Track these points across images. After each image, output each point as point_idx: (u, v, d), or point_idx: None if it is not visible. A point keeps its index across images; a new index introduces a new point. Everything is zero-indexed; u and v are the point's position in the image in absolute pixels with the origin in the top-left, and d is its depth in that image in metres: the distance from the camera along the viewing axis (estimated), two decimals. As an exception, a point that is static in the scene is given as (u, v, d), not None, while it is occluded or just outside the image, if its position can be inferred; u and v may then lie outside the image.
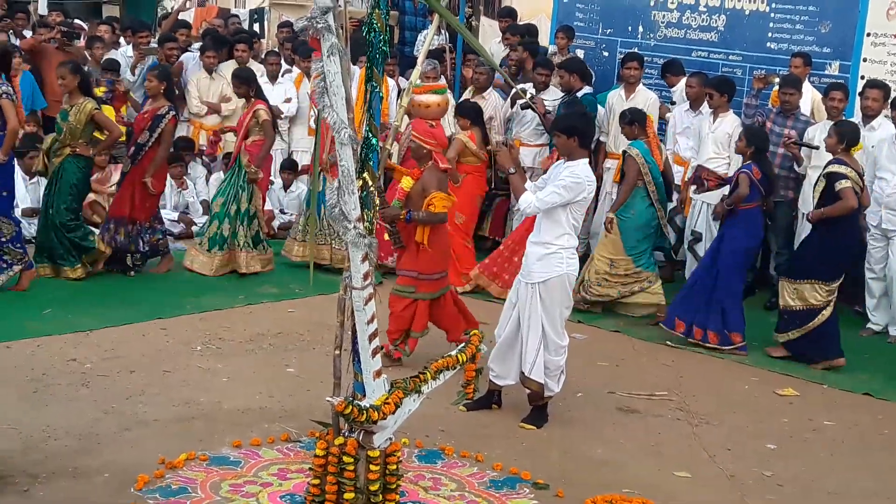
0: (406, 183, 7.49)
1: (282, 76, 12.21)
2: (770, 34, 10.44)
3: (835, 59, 10.05)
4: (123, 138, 10.39)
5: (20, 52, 11.51)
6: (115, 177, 10.36)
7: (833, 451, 6.74)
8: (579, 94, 10.22)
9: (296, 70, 12.20)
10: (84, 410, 6.35)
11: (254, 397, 6.78)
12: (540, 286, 6.54)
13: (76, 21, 14.78)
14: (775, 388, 7.81)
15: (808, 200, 8.93)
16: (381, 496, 4.91)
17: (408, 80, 10.24)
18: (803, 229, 9.13)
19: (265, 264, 9.83)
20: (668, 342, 8.63)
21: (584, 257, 8.94)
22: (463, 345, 5.73)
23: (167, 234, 9.96)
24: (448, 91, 11.09)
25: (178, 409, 6.50)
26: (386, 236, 7.51)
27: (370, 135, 4.87)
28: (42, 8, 16.63)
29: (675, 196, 10.20)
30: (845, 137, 8.21)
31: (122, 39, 13.20)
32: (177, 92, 10.71)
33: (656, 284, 9.14)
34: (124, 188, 9.48)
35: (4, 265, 8.61)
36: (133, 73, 11.87)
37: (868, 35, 9.81)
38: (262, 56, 12.90)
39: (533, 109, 10.25)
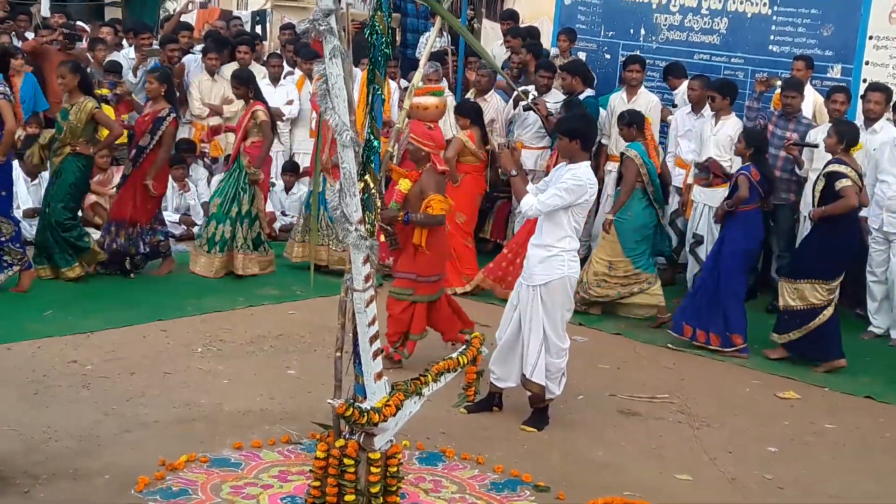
0: (404, 185, 7.49)
1: (283, 78, 12.22)
2: (772, 37, 10.44)
3: (837, 62, 10.05)
4: (125, 140, 10.40)
5: (22, 54, 11.53)
6: (117, 179, 10.37)
7: (834, 455, 6.73)
8: (581, 96, 10.23)
9: (298, 72, 12.21)
10: (85, 412, 6.35)
11: (255, 399, 6.78)
12: (541, 288, 6.54)
13: (78, 23, 14.80)
14: (777, 390, 7.80)
15: (809, 203, 8.92)
16: (381, 498, 4.91)
17: (409, 82, 10.26)
18: (805, 232, 9.13)
19: (265, 266, 9.83)
20: (670, 345, 8.63)
21: (584, 260, 8.95)
22: (464, 347, 5.73)
23: (169, 236, 9.96)
24: (448, 93, 11.19)
25: (179, 411, 6.50)
26: (382, 237, 7.51)
27: (372, 137, 4.87)
28: (44, 10, 16.62)
29: (676, 199, 10.23)
30: (845, 137, 8.22)
31: (124, 41, 13.20)
32: (178, 94, 10.70)
33: (656, 286, 9.15)
34: (125, 190, 9.48)
35: (4, 265, 8.61)
36: (135, 75, 11.88)
37: (870, 38, 9.81)
38: (264, 58, 12.91)
39: (535, 111, 10.26)
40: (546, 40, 12.53)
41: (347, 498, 4.82)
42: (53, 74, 10.45)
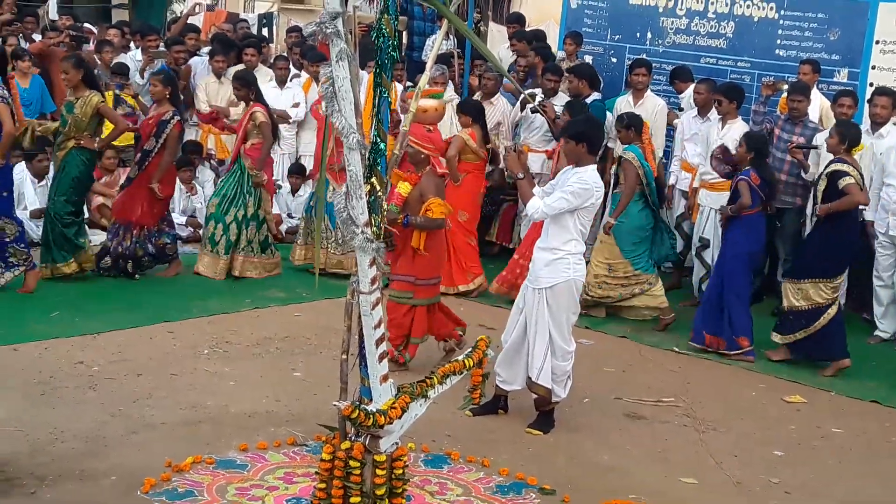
0: (404, 188, 7.47)
1: (290, 81, 12.23)
2: (779, 41, 10.43)
3: (843, 66, 10.04)
4: (132, 141, 10.41)
5: (30, 56, 11.56)
6: (123, 180, 10.37)
7: (841, 459, 6.72)
8: (588, 100, 10.22)
9: (304, 75, 12.22)
10: (91, 413, 6.36)
11: (260, 401, 6.78)
12: (547, 291, 6.54)
13: (86, 25, 14.83)
14: (783, 394, 7.79)
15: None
16: (387, 500, 4.91)
17: (416, 84, 10.26)
18: (811, 236, 9.13)
19: (272, 268, 9.84)
20: (675, 348, 8.63)
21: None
22: (470, 350, 5.74)
23: (176, 239, 9.96)
24: (454, 95, 11.20)
25: (185, 413, 6.51)
26: None
27: (378, 140, 4.88)
28: (52, 12, 16.67)
29: (682, 203, 10.23)
30: (847, 137, 8.23)
31: (131, 44, 13.23)
32: (181, 98, 10.70)
33: (656, 286, 9.15)
34: (129, 194, 9.43)
35: (10, 265, 8.61)
36: (142, 77, 11.90)
37: (877, 42, 9.80)
38: (271, 61, 12.93)
39: (542, 114, 10.25)
40: (552, 43, 12.52)
41: (353, 500, 4.82)
42: (60, 76, 10.47)
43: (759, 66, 10.51)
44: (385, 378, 4.91)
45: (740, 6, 10.68)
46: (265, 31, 17.83)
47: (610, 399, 7.38)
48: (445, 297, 8.79)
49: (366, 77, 9.36)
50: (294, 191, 11.93)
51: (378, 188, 4.86)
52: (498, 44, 13.76)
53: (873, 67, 9.83)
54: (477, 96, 11.13)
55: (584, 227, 6.62)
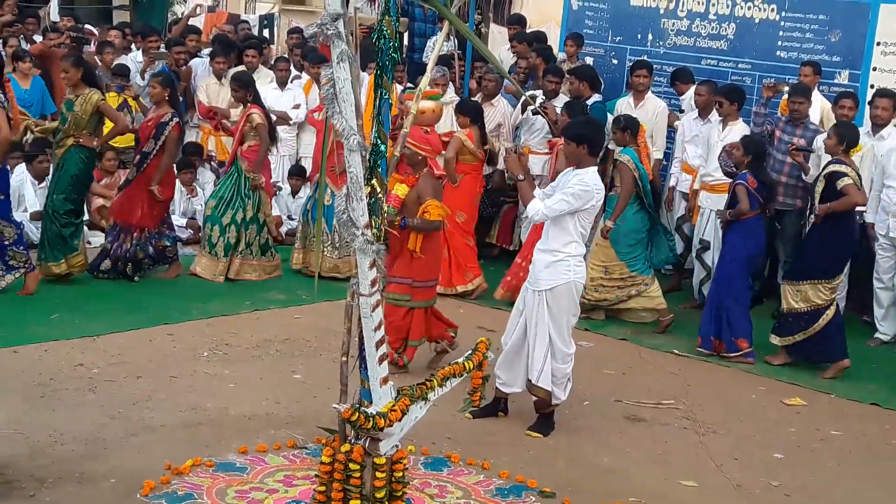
0: (401, 190, 7.46)
1: (291, 82, 12.23)
2: (779, 42, 10.43)
3: (844, 67, 10.03)
4: (132, 143, 10.40)
5: (31, 57, 11.56)
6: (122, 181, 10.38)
7: (840, 461, 6.72)
8: (589, 101, 10.21)
9: (305, 76, 12.21)
10: (91, 415, 6.35)
11: (260, 403, 6.78)
12: (547, 294, 6.54)
13: (87, 26, 14.82)
14: (782, 397, 7.79)
15: (816, 208, 8.91)
16: (386, 503, 4.90)
17: (415, 86, 10.25)
18: (810, 237, 9.13)
19: (271, 271, 9.83)
20: (675, 350, 8.62)
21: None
22: (470, 352, 5.73)
23: (176, 241, 9.95)
24: (455, 97, 11.19)
25: (185, 415, 6.50)
26: None
27: (379, 141, 4.87)
28: (53, 13, 16.68)
29: (683, 205, 10.23)
30: (845, 138, 8.24)
31: (132, 45, 13.23)
32: (181, 99, 10.69)
33: (653, 287, 9.16)
34: (126, 195, 9.41)
35: (9, 268, 8.60)
36: (143, 78, 11.90)
37: (878, 44, 9.80)
38: (272, 62, 12.92)
39: (543, 115, 10.25)
40: (553, 45, 12.52)
41: (353, 503, 4.82)
42: (61, 76, 10.48)
43: (759, 68, 10.51)
44: (385, 380, 4.90)
45: (741, 8, 10.69)
46: (266, 33, 17.83)
47: (610, 401, 7.37)
48: (444, 297, 8.81)
49: (366, 79, 9.37)
50: (294, 192, 11.92)
51: (378, 190, 4.86)
52: (499, 45, 13.76)
53: (874, 69, 9.83)
54: (477, 98, 11.12)
55: (585, 228, 6.62)
